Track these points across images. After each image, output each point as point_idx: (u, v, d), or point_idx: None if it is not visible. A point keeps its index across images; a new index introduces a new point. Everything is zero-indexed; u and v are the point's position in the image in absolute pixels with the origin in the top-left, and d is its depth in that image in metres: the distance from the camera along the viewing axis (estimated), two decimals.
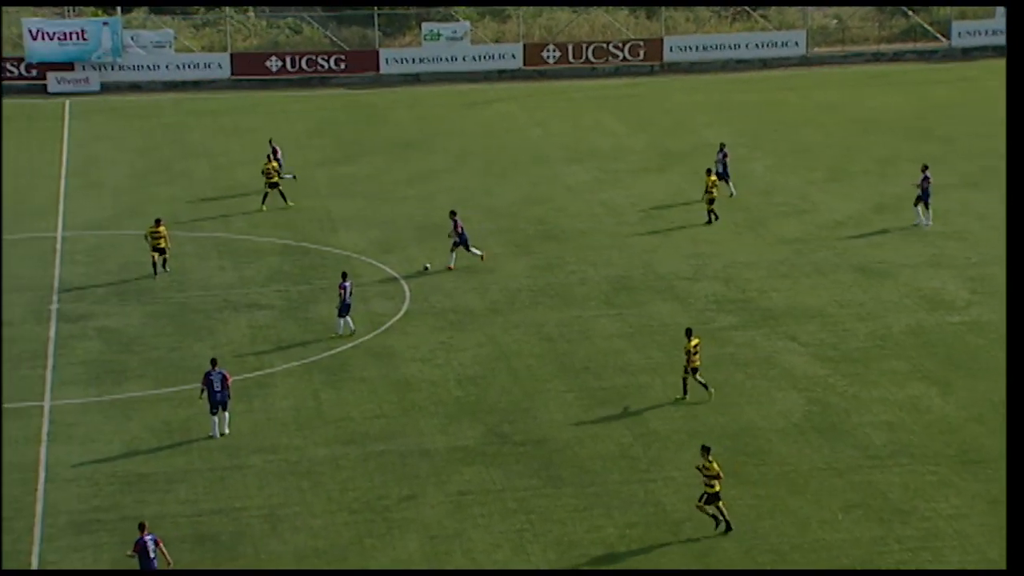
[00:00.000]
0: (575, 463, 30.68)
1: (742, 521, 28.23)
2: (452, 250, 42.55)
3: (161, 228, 42.11)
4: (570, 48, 71.19)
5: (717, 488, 27.57)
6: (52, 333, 38.17)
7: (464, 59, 70.54)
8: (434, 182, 52.57)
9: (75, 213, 48.89)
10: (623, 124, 61.38)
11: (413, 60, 70.38)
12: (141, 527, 25.86)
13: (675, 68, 71.51)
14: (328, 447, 31.52)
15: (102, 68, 67.87)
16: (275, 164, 49.34)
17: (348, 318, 37.67)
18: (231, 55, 69.66)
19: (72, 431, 32.36)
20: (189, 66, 69.13)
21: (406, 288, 41.31)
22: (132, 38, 68.54)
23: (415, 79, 70.06)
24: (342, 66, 69.90)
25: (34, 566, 26.92)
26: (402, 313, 39.43)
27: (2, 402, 33.41)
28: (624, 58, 71.44)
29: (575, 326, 38.37)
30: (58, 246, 45.46)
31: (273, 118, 62.68)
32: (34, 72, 67.40)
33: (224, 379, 31.71)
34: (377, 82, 69.63)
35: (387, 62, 70.18)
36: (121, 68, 68.14)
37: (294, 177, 51.17)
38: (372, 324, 38.52)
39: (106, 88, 67.84)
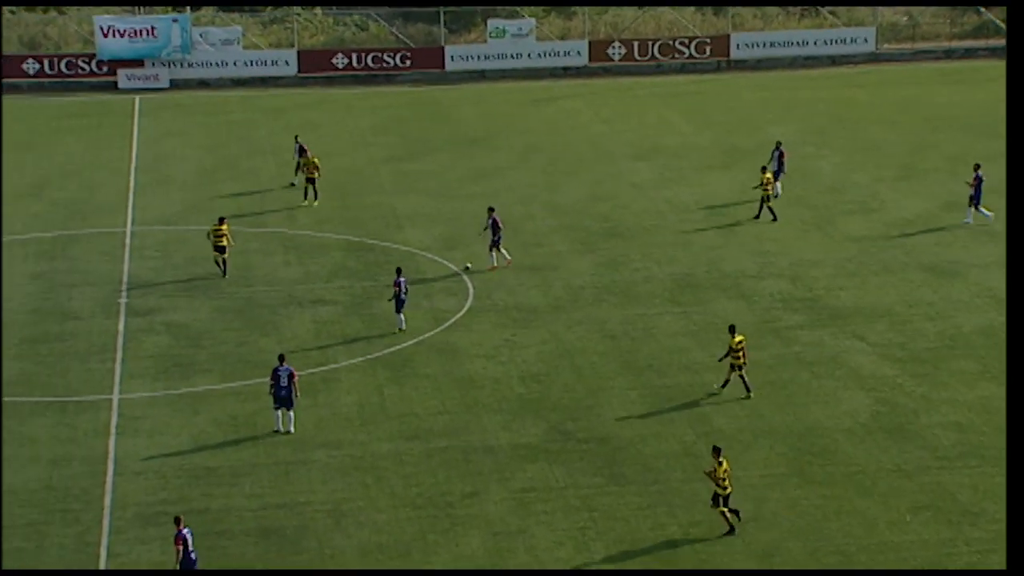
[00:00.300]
0: (638, 461, 30.56)
1: (808, 521, 27.98)
2: (498, 248, 42.35)
3: (224, 227, 42.00)
4: (636, 45, 70.93)
5: (729, 491, 27.37)
6: (121, 327, 38.60)
7: (529, 56, 70.53)
8: (499, 179, 52.57)
9: (144, 209, 49.43)
10: (689, 121, 61.05)
11: (478, 57, 70.46)
12: (177, 521, 26.06)
13: (742, 65, 71.05)
14: (392, 443, 31.61)
15: (171, 65, 68.58)
16: (315, 159, 49.44)
17: (401, 314, 37.73)
18: (298, 52, 70.11)
19: (140, 424, 32.71)
20: (257, 63, 69.68)
21: (469, 285, 41.34)
22: (201, 35, 69.23)
23: (480, 76, 70.14)
24: (408, 63, 70.13)
25: (102, 558, 27.24)
26: (465, 310, 39.46)
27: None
28: (690, 55, 71.06)
29: (639, 324, 38.22)
30: (127, 241, 45.97)
31: (339, 115, 63.01)
32: (105, 69, 68.31)
33: (291, 376, 31.86)
34: (442, 79, 69.78)
35: (452, 59, 70.31)
36: (190, 65, 68.84)
37: (293, 184, 51.02)
38: (436, 320, 38.59)
39: (175, 85, 68.56)
